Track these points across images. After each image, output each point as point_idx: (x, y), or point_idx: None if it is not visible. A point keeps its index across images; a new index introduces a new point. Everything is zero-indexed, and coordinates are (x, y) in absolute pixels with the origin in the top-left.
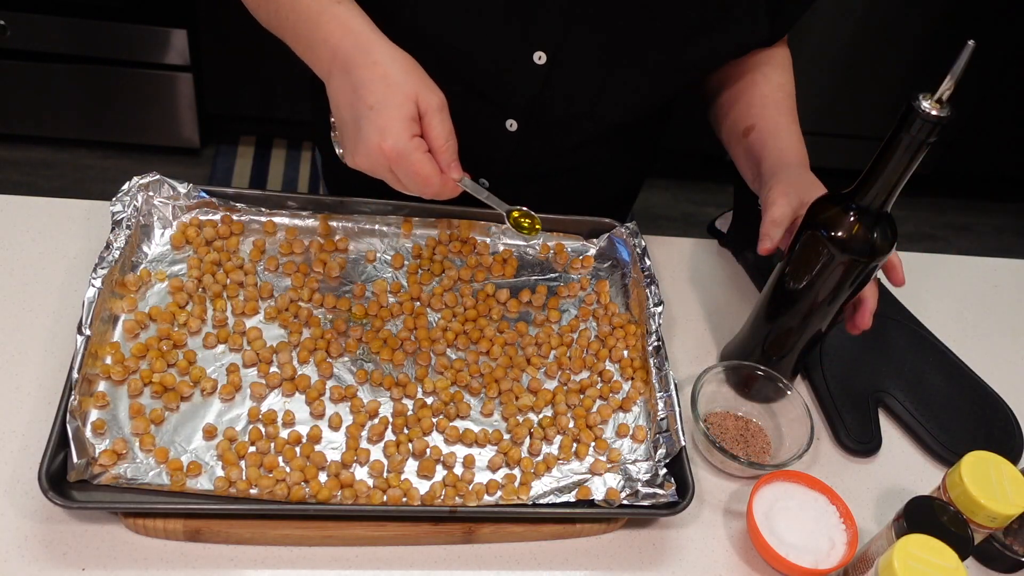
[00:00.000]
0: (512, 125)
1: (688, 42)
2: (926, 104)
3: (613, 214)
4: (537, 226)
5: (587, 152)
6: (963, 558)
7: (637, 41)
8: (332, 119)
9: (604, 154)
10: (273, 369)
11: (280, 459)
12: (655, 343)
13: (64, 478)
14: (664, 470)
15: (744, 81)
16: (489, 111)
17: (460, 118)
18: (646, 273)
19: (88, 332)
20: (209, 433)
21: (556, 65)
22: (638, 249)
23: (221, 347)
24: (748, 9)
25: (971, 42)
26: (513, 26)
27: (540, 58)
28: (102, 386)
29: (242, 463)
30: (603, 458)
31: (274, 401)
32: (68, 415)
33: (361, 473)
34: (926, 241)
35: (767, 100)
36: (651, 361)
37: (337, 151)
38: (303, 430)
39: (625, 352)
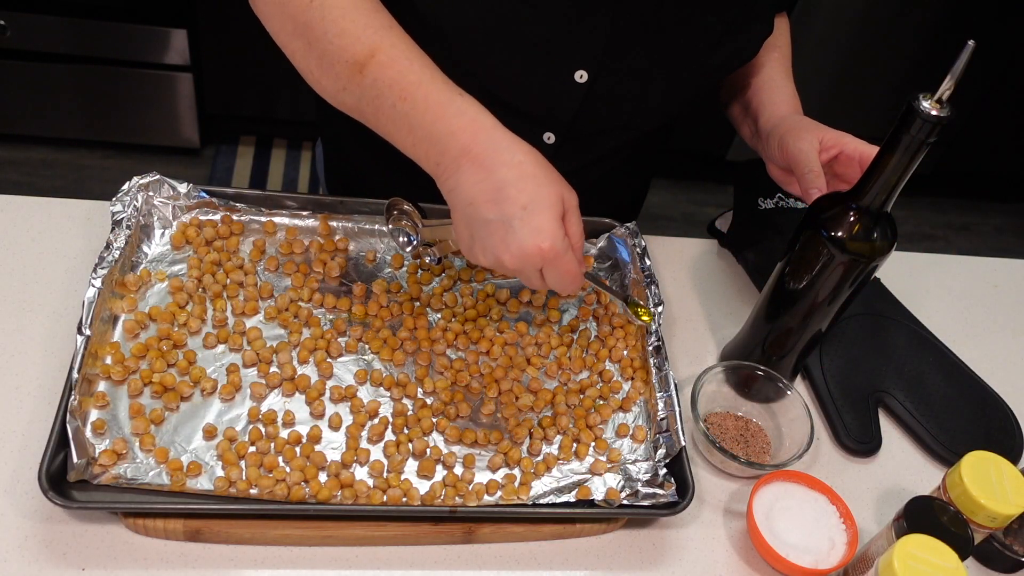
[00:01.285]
0: (550, 138)
1: (718, 46)
2: (926, 104)
3: (626, 216)
4: (648, 318)
5: (615, 158)
6: (963, 558)
7: (673, 52)
8: (394, 207)
9: (627, 158)
10: (273, 369)
11: (280, 459)
12: (655, 343)
13: (64, 478)
14: (664, 470)
15: None
16: (527, 126)
17: None
18: (646, 273)
19: (88, 332)
20: (209, 433)
21: (597, 82)
22: (638, 249)
23: (221, 347)
24: (766, 5)
25: (971, 42)
26: (555, 47)
27: (581, 76)
28: (102, 386)
29: (242, 463)
30: (603, 458)
31: (274, 401)
32: (68, 415)
33: (361, 473)
34: (926, 241)
35: (763, 60)
36: (651, 361)
37: (399, 239)
38: (303, 430)
39: (625, 352)
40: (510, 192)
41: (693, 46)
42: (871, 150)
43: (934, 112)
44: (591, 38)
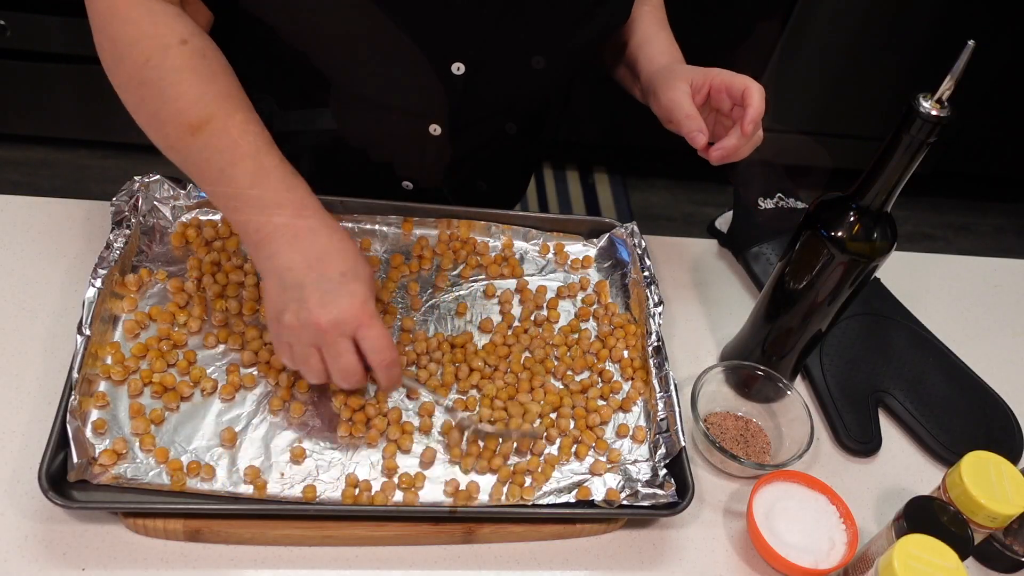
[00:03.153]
0: (436, 130)
1: (589, 18)
2: (926, 104)
3: (514, 198)
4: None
5: (503, 140)
6: (963, 558)
7: (546, 32)
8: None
9: (513, 140)
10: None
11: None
12: (655, 343)
13: (64, 478)
14: (664, 470)
15: None
16: (412, 120)
17: (385, 127)
18: (646, 273)
19: (88, 332)
20: (210, 434)
21: (474, 71)
22: (638, 249)
23: (221, 347)
24: None
25: (971, 42)
26: (427, 45)
27: (459, 68)
28: (102, 386)
29: (241, 463)
30: (603, 459)
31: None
32: (68, 415)
33: (363, 473)
34: (926, 241)
35: (636, 15)
36: (651, 361)
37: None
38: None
39: (625, 352)
40: (330, 259)
41: (563, 22)
42: (734, 78)
43: (934, 112)
44: (462, 30)
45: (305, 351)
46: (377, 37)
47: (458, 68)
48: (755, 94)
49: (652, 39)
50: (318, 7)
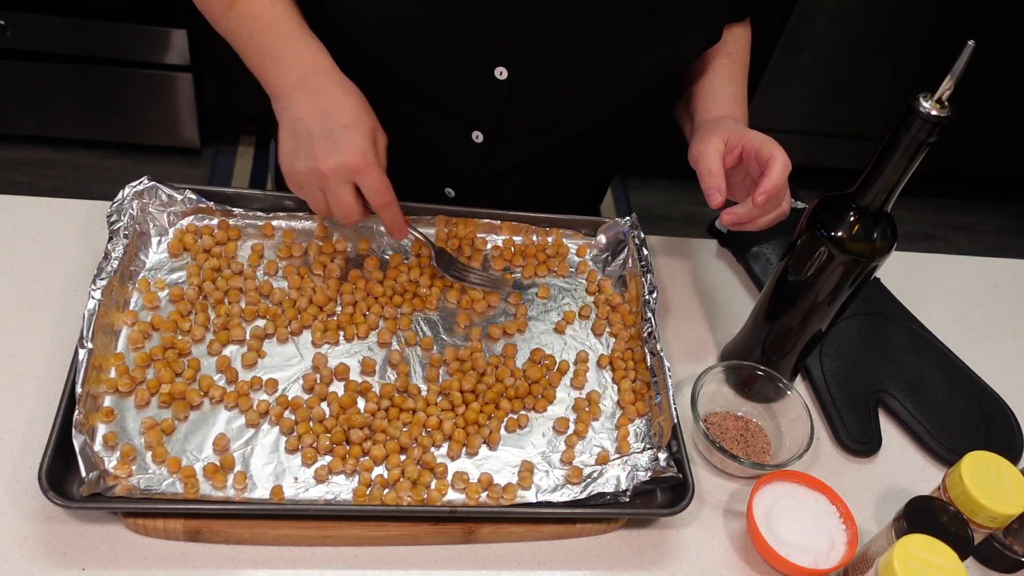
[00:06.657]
0: (478, 137)
1: (648, 50)
2: (926, 104)
3: (583, 213)
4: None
5: (552, 157)
6: (963, 558)
7: (598, 53)
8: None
9: (569, 158)
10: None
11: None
12: (648, 329)
13: (64, 478)
14: (665, 453)
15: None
16: (454, 124)
17: (426, 130)
18: (643, 264)
19: (90, 345)
20: (220, 444)
21: (518, 79)
22: (636, 240)
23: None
24: (708, 10)
25: (971, 42)
26: (473, 42)
27: (501, 73)
28: (108, 400)
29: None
30: (611, 450)
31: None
32: (74, 430)
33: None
34: (926, 241)
35: (708, 64)
36: (645, 348)
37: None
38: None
39: (625, 345)
40: (335, 112)
41: (619, 48)
42: (763, 144)
43: (934, 112)
44: (509, 34)
45: (313, 192)
46: (423, 26)
47: (500, 73)
48: (777, 166)
49: (717, 91)
50: None
